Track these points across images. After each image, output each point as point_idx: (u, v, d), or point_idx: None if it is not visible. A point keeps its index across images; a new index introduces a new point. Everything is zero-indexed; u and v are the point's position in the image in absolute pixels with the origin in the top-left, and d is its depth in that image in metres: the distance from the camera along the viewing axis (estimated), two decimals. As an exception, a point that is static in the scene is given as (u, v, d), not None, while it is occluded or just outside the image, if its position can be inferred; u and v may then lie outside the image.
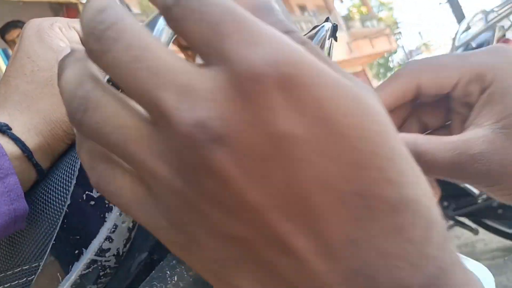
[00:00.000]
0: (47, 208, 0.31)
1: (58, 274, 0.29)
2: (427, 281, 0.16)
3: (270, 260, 0.17)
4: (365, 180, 0.16)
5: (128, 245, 0.28)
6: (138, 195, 0.19)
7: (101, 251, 0.28)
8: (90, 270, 0.28)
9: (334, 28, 0.35)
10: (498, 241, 2.55)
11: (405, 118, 0.36)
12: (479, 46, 1.97)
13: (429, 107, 0.35)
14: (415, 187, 0.16)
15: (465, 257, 0.38)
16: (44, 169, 0.32)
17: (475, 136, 0.29)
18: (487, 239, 2.68)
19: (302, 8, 15.96)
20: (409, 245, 0.16)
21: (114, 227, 0.27)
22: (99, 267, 0.28)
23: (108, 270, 0.29)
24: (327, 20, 0.35)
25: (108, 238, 0.27)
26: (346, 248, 0.16)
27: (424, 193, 0.17)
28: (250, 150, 0.16)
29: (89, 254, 0.28)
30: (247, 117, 0.15)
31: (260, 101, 0.15)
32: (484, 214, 2.27)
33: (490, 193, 0.31)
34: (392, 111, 0.34)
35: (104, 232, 0.27)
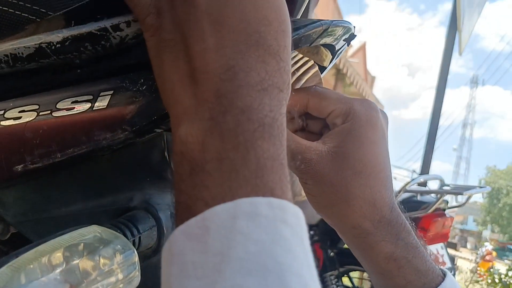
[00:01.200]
0: None
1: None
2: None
3: (187, 45, 0.29)
4: (263, 28, 0.29)
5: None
6: None
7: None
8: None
9: (352, 36, 0.45)
10: None
11: (298, 115, 0.47)
12: (420, 203, 2.18)
13: (314, 118, 0.46)
14: (282, 53, 0.29)
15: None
16: None
17: (316, 147, 0.41)
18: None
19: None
20: (264, 66, 0.28)
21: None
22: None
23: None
24: (354, 27, 0.44)
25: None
26: (230, 51, 0.28)
27: (286, 64, 0.30)
28: None
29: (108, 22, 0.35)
30: None
31: None
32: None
33: (304, 187, 0.44)
34: (289, 120, 0.46)
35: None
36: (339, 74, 7.91)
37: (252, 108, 0.27)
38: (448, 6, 5.92)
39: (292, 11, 0.49)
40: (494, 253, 9.96)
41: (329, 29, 0.41)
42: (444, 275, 0.43)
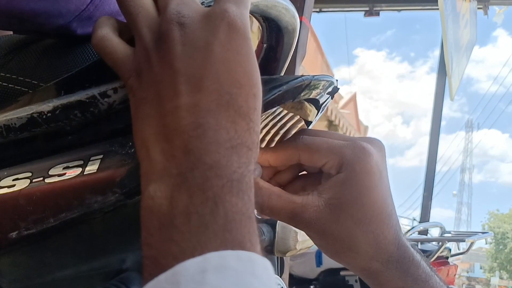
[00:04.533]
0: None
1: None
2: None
3: (160, 103, 0.30)
4: (234, 90, 0.31)
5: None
6: (126, 53, 0.34)
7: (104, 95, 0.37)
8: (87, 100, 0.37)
9: (335, 89, 0.46)
10: None
11: (294, 176, 0.48)
12: (423, 252, 2.14)
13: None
14: (252, 114, 0.31)
15: None
16: None
17: (313, 203, 0.41)
18: None
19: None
20: (234, 125, 0.30)
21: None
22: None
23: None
24: (336, 81, 0.46)
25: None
26: (201, 109, 0.30)
27: (255, 124, 0.32)
28: (192, 39, 0.31)
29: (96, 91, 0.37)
30: (202, 24, 0.32)
31: (210, 24, 0.32)
32: None
33: (310, 239, 0.45)
34: (284, 170, 0.47)
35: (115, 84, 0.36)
36: (332, 125, 8.01)
37: (220, 164, 0.28)
38: (438, 52, 6.11)
39: (276, 69, 0.51)
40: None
41: (311, 84, 0.43)
42: None
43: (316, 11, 6.30)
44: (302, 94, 0.42)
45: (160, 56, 0.31)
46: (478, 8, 6.51)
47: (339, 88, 0.47)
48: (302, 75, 0.41)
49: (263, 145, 0.49)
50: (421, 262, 0.44)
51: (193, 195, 0.27)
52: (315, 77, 0.42)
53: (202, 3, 0.36)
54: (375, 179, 0.42)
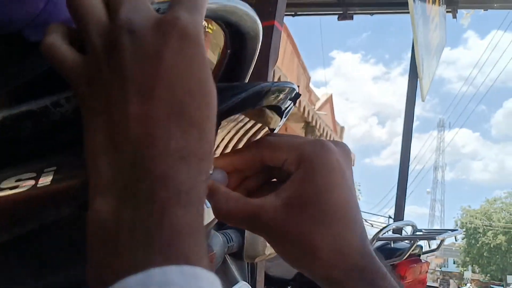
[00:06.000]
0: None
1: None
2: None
3: (109, 113, 0.30)
4: (186, 99, 0.30)
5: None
6: (75, 61, 0.32)
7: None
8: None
9: (297, 95, 0.46)
10: None
11: (263, 182, 0.45)
12: (395, 250, 2.17)
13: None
14: (205, 124, 0.30)
15: None
16: None
17: (270, 204, 0.39)
18: None
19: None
20: (185, 135, 0.29)
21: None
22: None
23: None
24: (298, 87, 0.46)
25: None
26: (150, 119, 0.29)
27: (208, 134, 0.31)
28: (142, 47, 0.30)
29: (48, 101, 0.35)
30: (153, 32, 0.30)
31: (161, 32, 0.31)
32: None
33: (271, 246, 0.42)
34: (252, 176, 0.45)
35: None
36: (309, 127, 8.06)
37: (168, 176, 0.27)
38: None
39: (240, 74, 0.51)
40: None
41: (271, 91, 0.42)
42: None
43: (291, 15, 6.34)
44: (262, 101, 0.41)
45: (110, 64, 0.30)
46: (447, 11, 6.64)
47: (300, 94, 0.47)
48: (261, 82, 0.41)
49: (227, 151, 0.48)
50: (387, 274, 0.41)
51: (138, 208, 0.26)
52: (274, 84, 0.42)
53: (158, 10, 0.35)
54: (336, 177, 0.39)
